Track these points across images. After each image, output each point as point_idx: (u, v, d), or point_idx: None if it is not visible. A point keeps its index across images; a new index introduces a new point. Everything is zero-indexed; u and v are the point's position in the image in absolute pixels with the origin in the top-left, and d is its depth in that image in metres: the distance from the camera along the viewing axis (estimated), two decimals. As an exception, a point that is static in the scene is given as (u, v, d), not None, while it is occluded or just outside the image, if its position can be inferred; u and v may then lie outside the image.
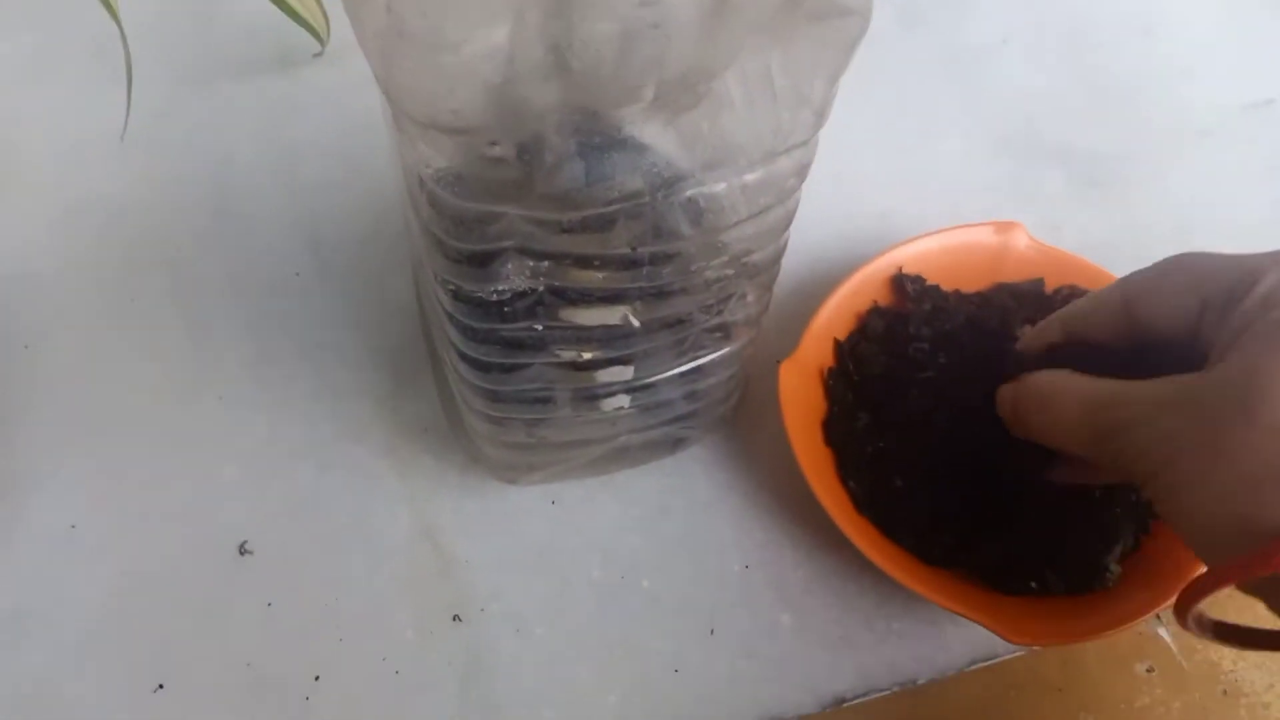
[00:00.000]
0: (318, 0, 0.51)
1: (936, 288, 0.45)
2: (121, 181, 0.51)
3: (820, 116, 0.27)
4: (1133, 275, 0.33)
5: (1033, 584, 0.38)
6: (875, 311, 0.44)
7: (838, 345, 0.44)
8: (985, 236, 0.46)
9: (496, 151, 0.24)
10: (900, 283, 0.45)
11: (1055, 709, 0.40)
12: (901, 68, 0.56)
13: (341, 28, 0.53)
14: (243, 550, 0.42)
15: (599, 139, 0.25)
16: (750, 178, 0.28)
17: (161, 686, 0.40)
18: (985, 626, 0.36)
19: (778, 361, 0.43)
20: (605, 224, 0.27)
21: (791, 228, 0.35)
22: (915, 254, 0.45)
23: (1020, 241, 0.45)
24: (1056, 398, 0.33)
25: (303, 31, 0.51)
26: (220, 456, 0.44)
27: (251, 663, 0.40)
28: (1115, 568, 0.38)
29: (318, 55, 0.54)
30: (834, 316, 0.44)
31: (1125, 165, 0.54)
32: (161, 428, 0.45)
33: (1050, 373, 0.34)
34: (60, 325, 0.47)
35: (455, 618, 0.41)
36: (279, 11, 0.49)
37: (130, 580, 0.42)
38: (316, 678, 0.40)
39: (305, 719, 0.39)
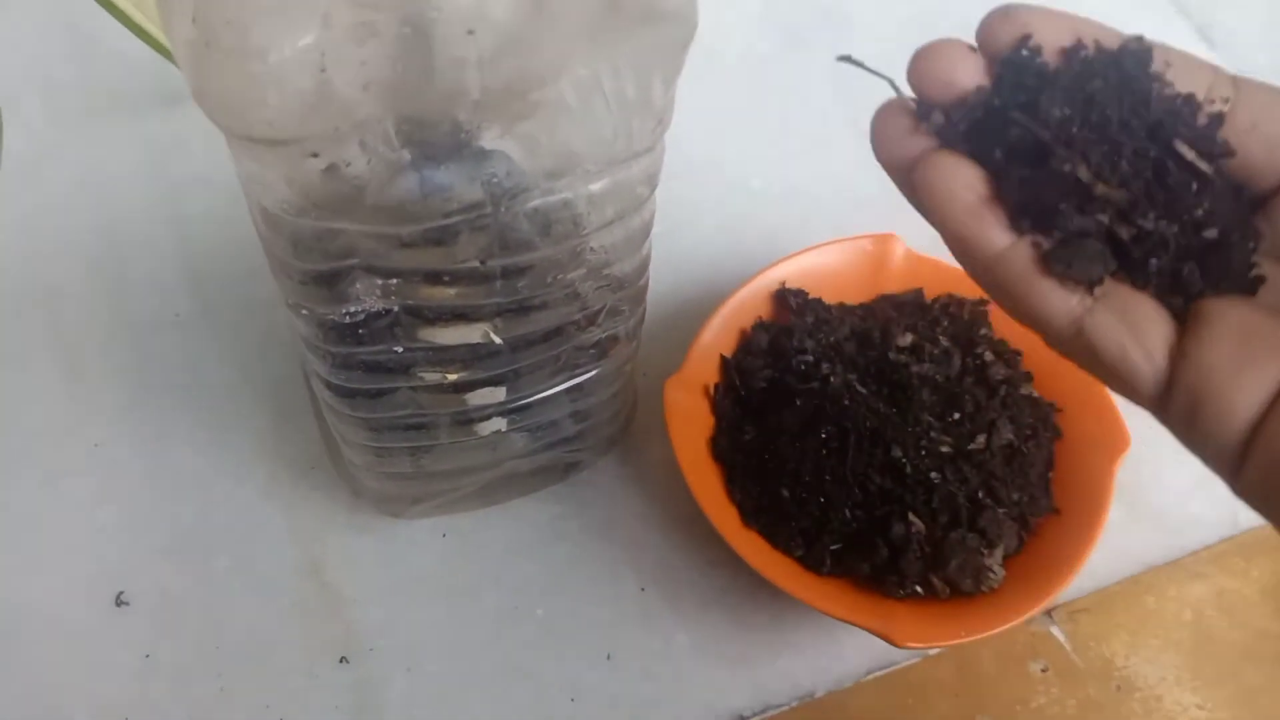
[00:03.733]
0: (196, 39, 0.51)
1: (819, 301, 0.45)
2: (-4, 222, 0.49)
3: (662, 123, 0.28)
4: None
5: (918, 588, 0.38)
6: (760, 326, 0.44)
7: (723, 361, 0.44)
8: (864, 249, 0.46)
9: (320, 163, 0.23)
10: (783, 297, 0.45)
11: (953, 713, 0.40)
12: (786, 86, 0.57)
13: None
14: (119, 601, 0.41)
15: (435, 150, 0.25)
16: (596, 186, 0.28)
17: (31, 746, 0.38)
18: (872, 632, 0.36)
19: (665, 379, 0.43)
20: (449, 237, 0.27)
21: (668, 245, 0.36)
22: (797, 269, 0.45)
23: (898, 252, 0.46)
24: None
25: (180, 70, 0.50)
26: (96, 499, 0.43)
27: (129, 717, 0.39)
28: (999, 569, 0.38)
29: (198, 94, 0.53)
30: (719, 333, 0.44)
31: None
32: (34, 471, 0.43)
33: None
34: (-75, 374, 0.45)
35: (342, 659, 0.40)
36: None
37: (2, 631, 0.40)
38: (197, 728, 0.38)
39: (184, 772, 0.38)
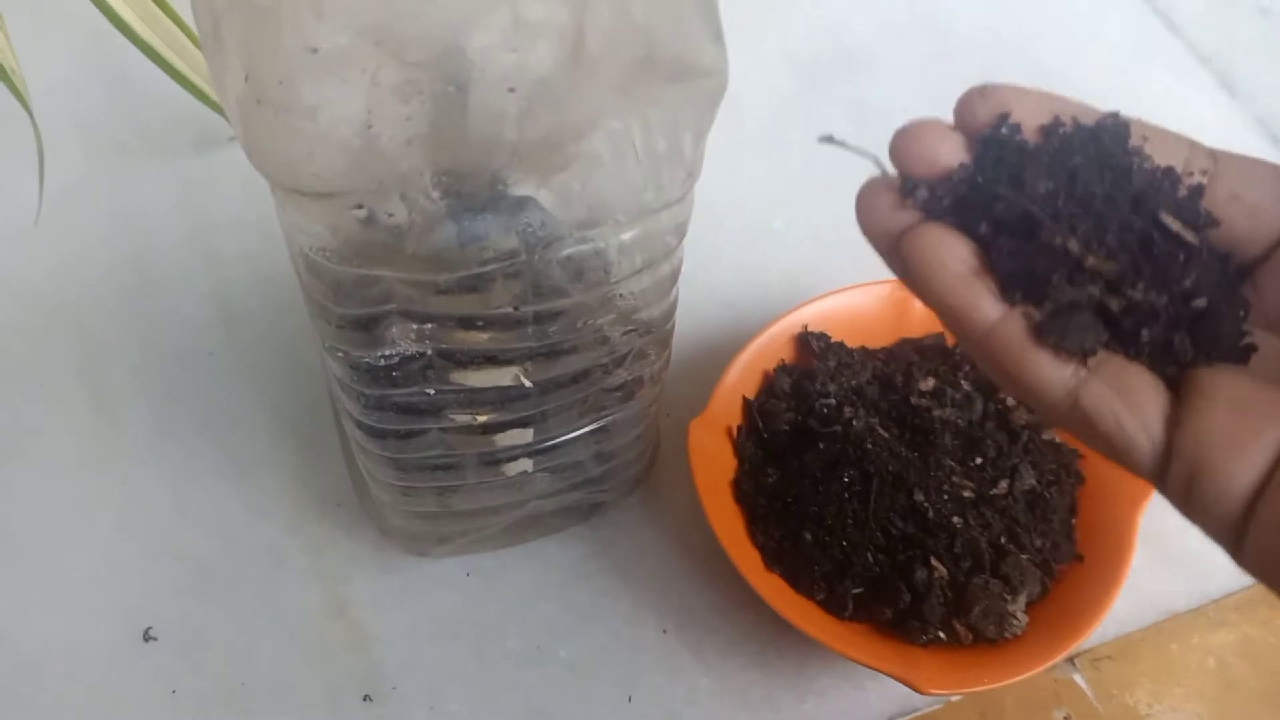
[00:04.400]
0: (232, 82, 0.52)
1: (841, 344, 0.45)
2: (34, 260, 0.50)
3: (691, 174, 0.28)
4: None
5: (940, 634, 0.38)
6: (782, 369, 0.45)
7: (746, 403, 0.44)
8: (886, 293, 0.47)
9: (363, 214, 0.24)
10: (806, 340, 0.45)
11: (975, 761, 0.40)
12: (807, 127, 0.58)
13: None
14: (147, 636, 0.41)
15: (472, 200, 0.26)
16: (627, 236, 0.29)
17: (56, 781, 0.38)
18: (895, 678, 0.36)
19: (689, 422, 0.43)
20: (484, 284, 0.28)
21: (691, 286, 0.36)
22: (820, 312, 0.46)
23: (921, 297, 0.46)
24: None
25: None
26: (124, 534, 0.43)
27: (153, 752, 0.39)
28: (1022, 615, 0.38)
29: (233, 139, 0.54)
30: (742, 375, 0.44)
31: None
32: (65, 504, 0.44)
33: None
34: (-39, 406, 0.46)
35: (366, 697, 0.40)
36: (193, 94, 0.50)
37: (28, 668, 0.40)
38: (221, 765, 0.39)
39: (207, 809, 0.38)
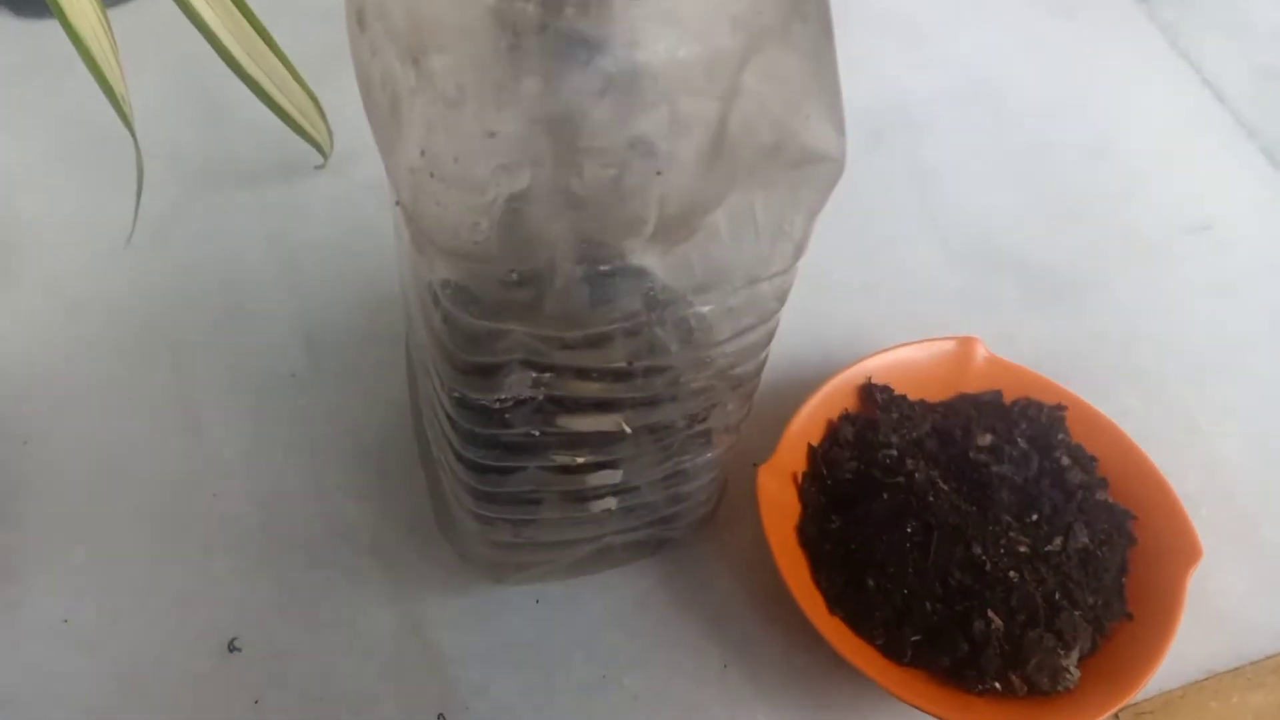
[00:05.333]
0: (321, 115, 0.54)
1: (904, 397, 0.47)
2: (127, 281, 0.53)
3: (799, 249, 0.30)
4: None
5: (996, 684, 0.40)
6: (846, 418, 0.47)
7: (811, 450, 0.46)
8: (947, 349, 0.49)
9: (513, 278, 0.26)
10: (869, 391, 0.47)
11: (1022, 806, 0.41)
12: (868, 185, 0.60)
13: (344, 139, 0.56)
14: (232, 647, 0.43)
15: (603, 266, 0.28)
16: (735, 301, 0.31)
17: (146, 784, 0.40)
18: (955, 725, 0.38)
19: (754, 464, 0.45)
20: (604, 341, 0.30)
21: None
22: (883, 364, 0.48)
23: (979, 355, 0.49)
24: None
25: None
26: (211, 550, 0.45)
27: (237, 760, 0.41)
28: (1075, 670, 0.40)
29: (320, 167, 0.57)
30: (808, 423, 0.46)
31: (1076, 279, 0.58)
32: (155, 520, 0.46)
33: None
34: (60, 420, 0.48)
35: (440, 716, 0.42)
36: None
37: (120, 676, 0.42)
38: (302, 775, 0.41)
39: (289, 817, 0.40)
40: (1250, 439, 0.52)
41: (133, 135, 0.47)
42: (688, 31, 0.23)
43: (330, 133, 0.55)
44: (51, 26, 0.44)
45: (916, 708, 0.39)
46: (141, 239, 0.53)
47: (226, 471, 0.48)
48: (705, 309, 0.30)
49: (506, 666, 0.44)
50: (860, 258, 0.57)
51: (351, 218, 0.56)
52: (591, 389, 0.32)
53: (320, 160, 0.56)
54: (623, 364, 0.31)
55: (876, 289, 0.56)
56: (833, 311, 0.55)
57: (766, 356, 0.36)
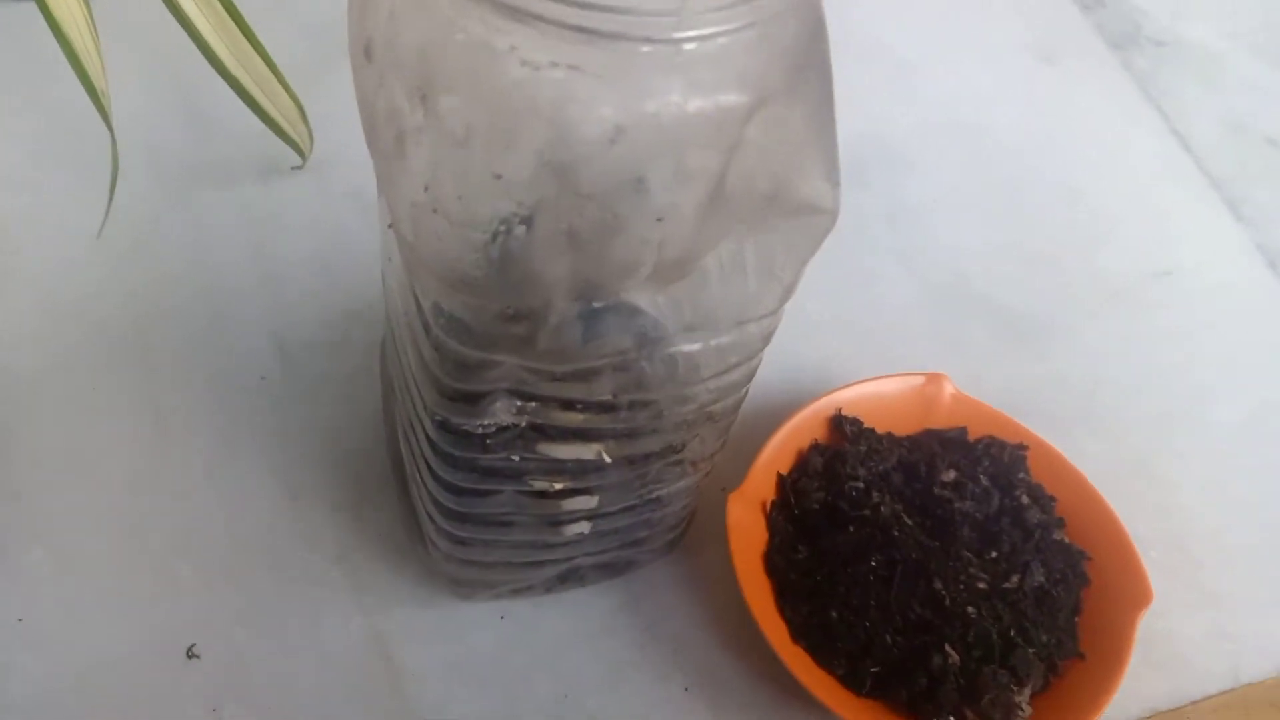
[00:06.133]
0: (302, 116, 0.54)
1: (872, 430, 0.48)
2: (100, 282, 0.52)
3: (787, 293, 0.31)
4: None
5: (951, 718, 0.41)
6: (815, 448, 0.48)
7: (780, 479, 0.47)
8: (916, 385, 0.50)
9: (509, 312, 0.26)
10: (839, 423, 0.48)
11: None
12: (845, 221, 0.61)
13: (324, 142, 0.56)
14: (190, 654, 0.43)
15: (597, 304, 0.28)
16: (722, 341, 0.31)
17: (99, 792, 0.39)
18: (915, 760, 0.39)
19: (723, 490, 0.45)
20: (593, 375, 0.30)
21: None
22: (854, 397, 0.49)
23: (947, 392, 0.50)
24: None
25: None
26: (175, 554, 0.45)
27: (193, 769, 0.40)
28: (1027, 707, 0.41)
29: (297, 168, 0.56)
30: (778, 452, 0.47)
31: (1044, 321, 0.59)
32: (118, 523, 0.45)
33: None
34: (25, 419, 0.48)
35: (400, 730, 0.42)
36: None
37: (74, 679, 0.42)
38: (258, 787, 0.40)
39: (245, 829, 0.39)
40: (1203, 486, 0.54)
41: (110, 132, 0.46)
42: (699, 86, 0.23)
43: (311, 136, 0.55)
44: (29, 10, 0.44)
45: (874, 739, 0.40)
46: (116, 240, 0.53)
47: (193, 476, 0.47)
48: (694, 347, 0.31)
49: (469, 683, 0.44)
50: (836, 292, 0.58)
51: (329, 225, 0.56)
52: (575, 419, 0.32)
53: (299, 162, 0.56)
54: (608, 397, 0.31)
55: (850, 324, 0.57)
56: (806, 345, 0.56)
57: (747, 392, 0.37)
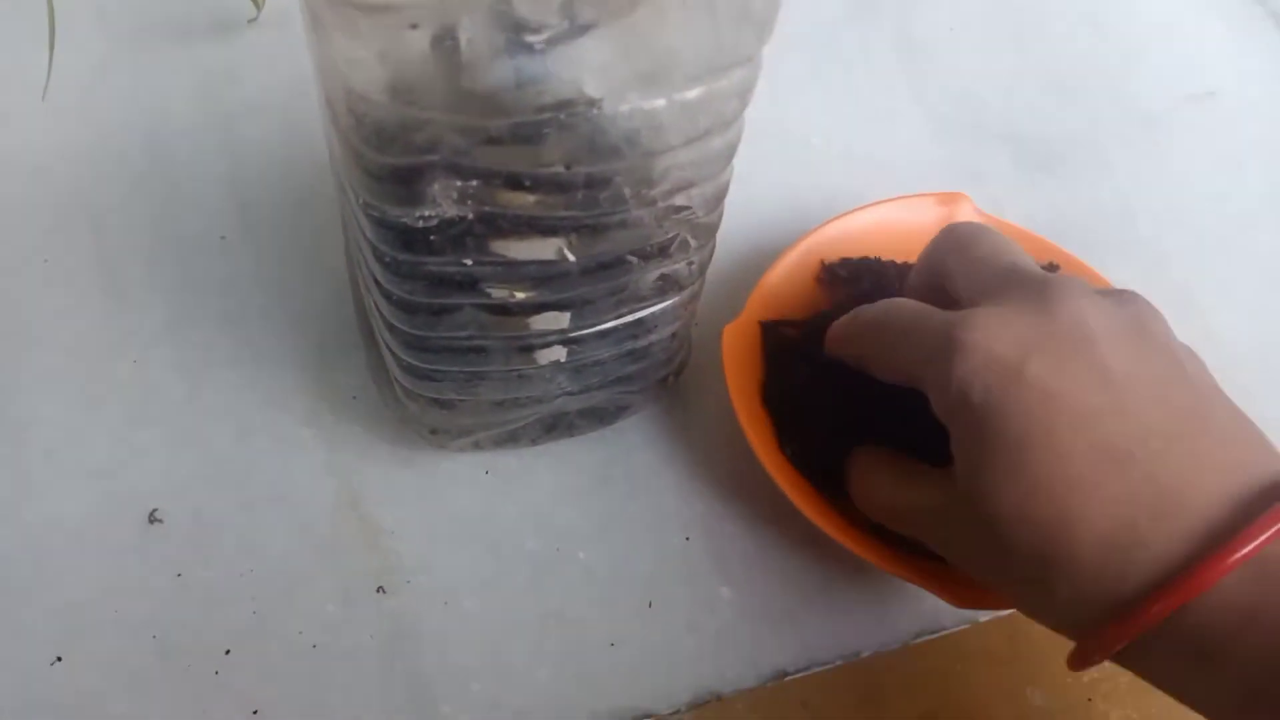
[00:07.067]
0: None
1: (877, 260, 0.44)
2: (46, 141, 0.48)
3: (763, 32, 0.27)
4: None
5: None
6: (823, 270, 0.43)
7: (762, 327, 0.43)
8: (930, 208, 0.45)
9: (418, 37, 0.22)
10: (832, 271, 0.44)
11: (1001, 681, 0.39)
12: (851, 53, 0.56)
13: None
14: (152, 518, 0.40)
15: (532, 41, 0.24)
16: (690, 95, 0.27)
17: (60, 659, 0.37)
18: (928, 590, 0.35)
19: (720, 329, 0.42)
20: (536, 135, 0.26)
21: (737, 194, 0.34)
22: (861, 223, 0.44)
23: (965, 213, 0.45)
24: (870, 477, 0.37)
25: (238, -4, 0.50)
26: (134, 420, 0.42)
27: (157, 635, 0.38)
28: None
29: (252, 20, 0.52)
30: (778, 283, 0.43)
31: (1072, 149, 0.54)
32: (73, 390, 0.42)
33: (868, 454, 0.38)
34: (-32, 285, 0.45)
35: (379, 589, 0.39)
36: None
37: (29, 546, 0.39)
38: (227, 651, 0.38)
39: (215, 693, 0.37)
40: (1248, 315, 0.50)
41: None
42: None
43: (265, -18, 0.50)
44: None
45: (892, 574, 0.36)
46: (64, 97, 0.49)
47: (151, 339, 0.44)
48: (656, 103, 0.27)
49: (452, 540, 0.41)
50: (841, 126, 0.53)
51: (287, 79, 0.52)
52: (525, 202, 0.28)
53: (254, 13, 0.52)
54: (559, 168, 0.27)
55: (858, 157, 0.53)
56: (810, 179, 0.51)
57: (728, 181, 0.32)
